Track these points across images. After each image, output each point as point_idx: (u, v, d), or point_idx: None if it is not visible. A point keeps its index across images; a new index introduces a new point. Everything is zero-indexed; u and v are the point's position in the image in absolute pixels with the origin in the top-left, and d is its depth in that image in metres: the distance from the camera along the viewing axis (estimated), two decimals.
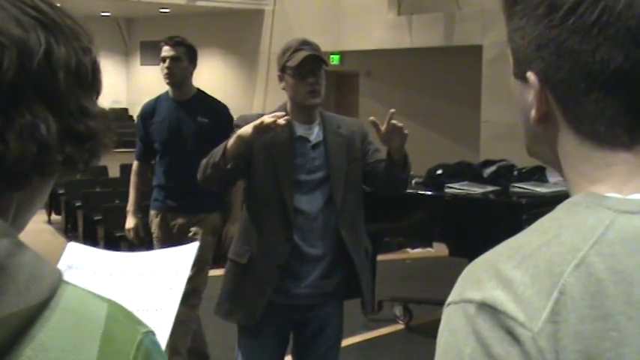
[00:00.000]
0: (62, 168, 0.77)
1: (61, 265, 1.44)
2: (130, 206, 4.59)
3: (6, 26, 0.72)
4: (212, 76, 15.36)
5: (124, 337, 0.74)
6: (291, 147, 3.00)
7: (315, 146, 3.04)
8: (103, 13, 15.09)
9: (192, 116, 4.34)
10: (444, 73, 11.57)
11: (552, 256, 0.72)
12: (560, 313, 0.70)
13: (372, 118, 3.02)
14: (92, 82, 0.80)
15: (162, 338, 1.37)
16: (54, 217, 11.25)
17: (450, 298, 0.77)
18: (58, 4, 0.80)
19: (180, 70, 4.39)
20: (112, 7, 14.22)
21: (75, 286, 0.75)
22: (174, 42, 4.42)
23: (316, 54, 3.00)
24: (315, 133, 3.05)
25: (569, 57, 0.76)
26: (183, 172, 4.19)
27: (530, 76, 0.80)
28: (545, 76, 0.79)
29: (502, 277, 0.73)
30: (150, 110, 4.43)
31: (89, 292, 0.76)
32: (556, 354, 0.69)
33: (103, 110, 0.81)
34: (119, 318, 0.75)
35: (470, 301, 0.73)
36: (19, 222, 0.78)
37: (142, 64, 17.02)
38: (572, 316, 0.69)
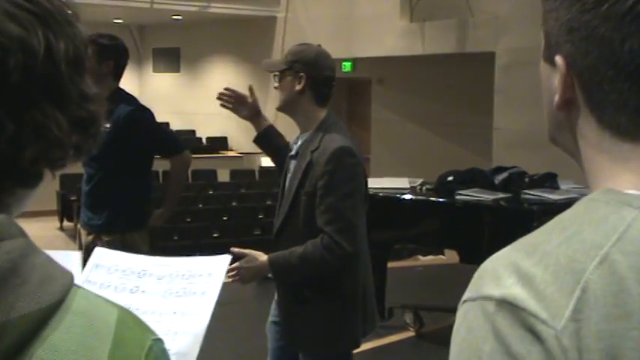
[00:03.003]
0: (70, 158, 0.78)
1: (89, 266, 1.43)
2: None
3: (3, 25, 0.71)
4: (223, 83, 15.36)
5: (134, 342, 0.74)
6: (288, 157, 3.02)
7: (292, 158, 2.97)
8: (115, 21, 15.16)
9: None
10: (457, 80, 11.56)
11: (574, 253, 0.71)
12: (582, 311, 0.68)
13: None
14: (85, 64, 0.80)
15: (196, 342, 1.37)
16: (66, 223, 11.29)
17: (466, 295, 0.75)
18: None
19: None
20: (125, 15, 14.28)
21: (86, 290, 0.76)
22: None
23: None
24: (297, 146, 2.96)
25: (598, 43, 0.74)
26: (85, 182, 4.01)
27: (558, 59, 0.78)
28: (573, 61, 0.77)
29: (522, 273, 0.71)
30: None
31: (99, 296, 0.77)
32: (579, 353, 0.67)
33: (97, 91, 0.81)
34: (129, 323, 0.76)
35: (489, 298, 0.72)
36: (15, 215, 0.78)
37: (154, 71, 17.08)
38: (594, 314, 0.68)
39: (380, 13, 11.62)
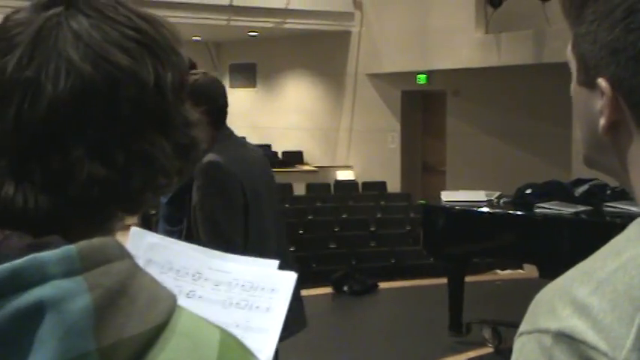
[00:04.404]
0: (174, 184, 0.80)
1: (141, 259, 1.38)
2: None
3: (114, 57, 0.73)
4: (300, 96, 15.50)
5: None
6: None
7: None
8: (194, 38, 15.46)
9: None
10: (534, 92, 11.37)
11: (631, 280, 0.68)
12: None
13: None
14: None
15: None
16: None
17: (522, 328, 0.73)
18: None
19: None
20: (203, 32, 14.53)
21: (188, 310, 0.76)
22: None
23: None
24: None
25: None
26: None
27: (602, 82, 0.75)
28: (620, 83, 0.74)
29: (578, 304, 0.69)
30: None
31: (201, 317, 0.77)
32: None
33: (198, 116, 0.82)
34: (231, 344, 0.76)
35: (545, 332, 0.69)
36: None
37: (231, 87, 17.33)
38: None
39: (455, 25, 11.54)
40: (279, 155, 15.51)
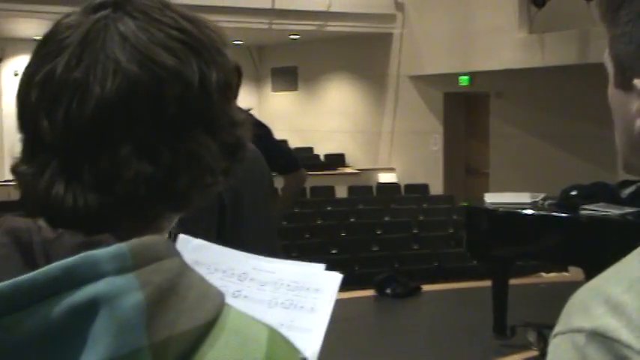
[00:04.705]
0: (220, 183, 0.81)
1: (188, 261, 1.38)
2: None
3: (160, 57, 0.75)
4: (341, 99, 15.51)
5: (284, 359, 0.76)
6: None
7: None
8: (235, 42, 15.57)
9: None
10: (579, 92, 11.22)
11: None
12: None
13: None
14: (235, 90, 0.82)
15: None
16: None
17: (556, 329, 0.73)
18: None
19: None
20: (244, 36, 14.62)
21: (236, 308, 0.77)
22: None
23: None
24: None
25: None
26: None
27: (638, 83, 0.74)
28: None
29: (612, 302, 0.68)
30: None
31: (248, 315, 0.78)
32: None
33: (243, 116, 0.83)
34: (279, 342, 0.77)
35: (579, 331, 0.69)
36: None
37: (272, 91, 17.41)
38: None
39: (497, 26, 11.44)
40: (321, 158, 15.53)
